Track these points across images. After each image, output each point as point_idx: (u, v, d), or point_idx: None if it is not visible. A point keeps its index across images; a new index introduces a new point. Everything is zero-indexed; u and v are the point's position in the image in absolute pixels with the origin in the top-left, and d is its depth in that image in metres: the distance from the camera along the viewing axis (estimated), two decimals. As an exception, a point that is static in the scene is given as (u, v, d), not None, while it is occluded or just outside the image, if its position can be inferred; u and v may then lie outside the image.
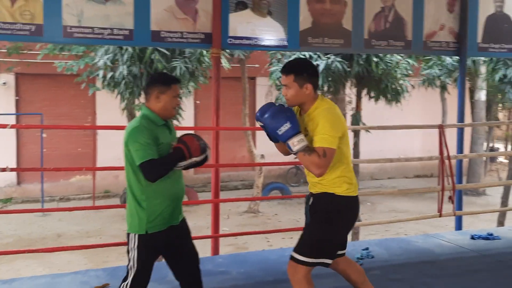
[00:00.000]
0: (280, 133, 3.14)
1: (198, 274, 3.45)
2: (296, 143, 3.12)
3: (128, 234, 3.26)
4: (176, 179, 3.31)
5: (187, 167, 3.30)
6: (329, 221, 3.27)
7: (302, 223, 11.72)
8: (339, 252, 3.43)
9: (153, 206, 3.20)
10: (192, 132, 3.43)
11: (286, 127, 3.12)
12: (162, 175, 3.15)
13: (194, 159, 3.25)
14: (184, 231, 3.44)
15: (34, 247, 9.55)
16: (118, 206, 11.01)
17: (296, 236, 10.78)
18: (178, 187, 3.34)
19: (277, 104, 3.28)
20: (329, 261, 3.28)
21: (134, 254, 3.20)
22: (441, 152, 6.14)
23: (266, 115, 3.20)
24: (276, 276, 4.76)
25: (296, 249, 3.30)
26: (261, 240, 10.21)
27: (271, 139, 3.36)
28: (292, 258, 3.28)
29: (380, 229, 11.07)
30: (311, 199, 3.40)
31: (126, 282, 3.22)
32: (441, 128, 6.16)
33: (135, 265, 3.20)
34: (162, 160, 3.16)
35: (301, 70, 3.28)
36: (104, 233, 11.22)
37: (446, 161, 6.12)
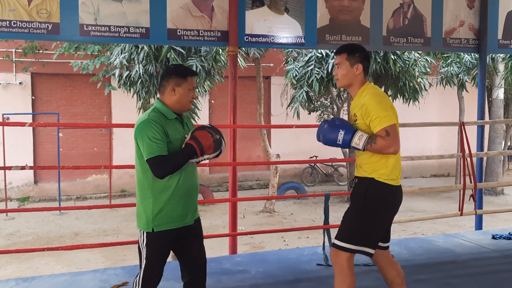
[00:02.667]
0: (341, 143, 3.26)
1: (203, 280, 3.35)
2: (358, 141, 3.21)
3: (141, 232, 3.19)
4: (188, 176, 3.19)
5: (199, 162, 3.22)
6: (365, 208, 3.29)
7: (318, 222, 11.66)
8: (382, 245, 3.43)
9: (160, 203, 3.10)
10: (208, 124, 3.30)
11: (341, 135, 3.25)
12: (170, 172, 3.04)
13: (207, 156, 3.14)
14: (197, 233, 3.32)
15: (52, 245, 9.58)
16: (135, 205, 11.07)
17: (312, 236, 10.70)
18: (190, 184, 3.21)
19: (324, 120, 3.42)
20: (370, 250, 3.29)
21: (143, 251, 3.14)
22: (462, 150, 6.05)
23: (321, 137, 3.35)
24: (296, 275, 4.72)
25: (336, 235, 3.36)
26: (277, 240, 10.16)
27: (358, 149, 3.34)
28: (333, 244, 3.35)
29: (397, 229, 10.95)
30: (354, 182, 3.44)
31: (137, 279, 3.17)
32: (462, 125, 6.07)
33: (145, 263, 3.13)
34: (171, 157, 3.04)
35: (354, 50, 3.38)
36: (121, 232, 11.23)
37: (467, 159, 6.03)
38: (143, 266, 3.15)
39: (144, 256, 3.14)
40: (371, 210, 3.28)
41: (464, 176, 6.04)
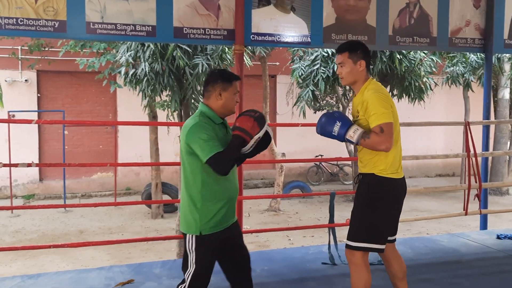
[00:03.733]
0: (336, 135, 3.30)
1: (250, 277, 3.39)
2: (353, 134, 3.25)
3: (185, 235, 3.20)
4: (231, 180, 3.23)
5: (257, 150, 3.23)
6: (370, 204, 3.34)
7: (322, 221, 11.66)
8: (389, 238, 3.47)
9: (208, 207, 3.12)
10: (244, 111, 3.29)
11: (337, 127, 3.29)
12: (231, 165, 3.08)
13: (256, 136, 3.11)
14: (237, 232, 3.37)
15: (57, 243, 9.60)
16: (140, 202, 11.05)
17: (317, 235, 10.71)
18: (233, 188, 3.25)
19: (324, 113, 3.45)
20: (379, 246, 3.33)
21: (192, 256, 3.13)
22: (467, 149, 6.05)
23: (319, 128, 3.39)
24: (301, 274, 4.72)
25: (348, 236, 3.40)
26: (283, 238, 10.16)
27: (352, 143, 3.37)
28: (346, 245, 3.40)
29: (401, 228, 10.88)
30: (358, 179, 3.48)
31: (184, 285, 3.14)
32: (467, 125, 6.06)
33: (194, 267, 3.12)
34: (226, 151, 3.05)
35: (355, 47, 3.43)
36: (126, 230, 11.26)
37: (472, 159, 6.03)
38: (191, 271, 3.13)
39: (194, 261, 3.13)
40: (376, 205, 3.32)
41: (469, 176, 6.04)
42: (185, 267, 3.18)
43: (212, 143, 3.03)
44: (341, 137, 3.30)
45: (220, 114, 3.23)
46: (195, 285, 3.14)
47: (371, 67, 10.90)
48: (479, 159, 6.25)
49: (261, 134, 3.14)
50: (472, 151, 6.04)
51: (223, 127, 3.25)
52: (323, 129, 3.36)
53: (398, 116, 3.42)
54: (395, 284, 3.58)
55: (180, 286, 3.17)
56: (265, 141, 3.29)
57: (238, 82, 3.31)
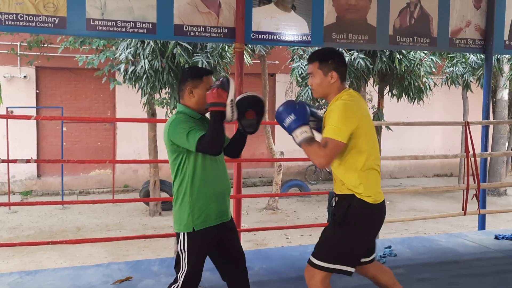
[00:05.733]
0: (285, 125, 3.06)
1: (245, 274, 3.34)
2: (299, 134, 3.00)
3: (178, 235, 3.16)
4: (220, 175, 3.19)
5: (255, 116, 3.17)
6: (346, 228, 3.05)
7: (320, 220, 11.67)
8: (364, 260, 3.23)
9: (198, 203, 3.09)
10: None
11: (290, 119, 3.03)
12: (219, 143, 2.98)
13: (228, 100, 2.99)
14: (232, 230, 3.31)
15: (54, 239, 9.61)
16: (138, 200, 11.07)
17: (314, 233, 10.71)
18: (223, 184, 3.21)
19: (296, 101, 3.15)
20: (350, 269, 3.05)
21: (185, 256, 3.09)
22: (466, 149, 6.06)
23: (276, 113, 3.13)
24: (299, 272, 4.67)
25: (313, 252, 3.12)
26: (280, 237, 10.16)
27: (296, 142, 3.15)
28: (309, 261, 3.11)
29: (399, 228, 10.95)
30: (334, 200, 3.20)
31: (176, 284, 3.10)
32: (467, 125, 6.07)
33: (187, 267, 3.08)
34: (209, 129, 3.00)
35: (326, 58, 3.12)
36: (124, 227, 11.26)
37: (471, 159, 6.04)
38: (184, 271, 3.09)
39: (186, 261, 3.09)
40: (351, 228, 3.04)
41: (468, 176, 6.04)
42: (177, 267, 3.14)
43: (194, 131, 2.98)
44: (288, 131, 3.06)
45: (198, 111, 3.19)
46: (188, 285, 3.11)
47: (370, 66, 10.92)
48: (478, 159, 6.26)
49: (231, 95, 3.01)
50: (471, 152, 6.05)
51: (203, 121, 3.20)
52: (279, 115, 3.09)
53: (374, 131, 3.17)
54: None
55: (172, 286, 3.13)
56: (253, 101, 3.20)
57: (211, 76, 3.22)
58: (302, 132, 3.00)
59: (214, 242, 3.18)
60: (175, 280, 3.14)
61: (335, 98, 3.09)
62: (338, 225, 3.07)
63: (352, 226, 3.04)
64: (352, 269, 3.06)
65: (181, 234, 3.13)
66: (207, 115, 3.19)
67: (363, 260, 3.23)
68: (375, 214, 3.09)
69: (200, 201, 3.10)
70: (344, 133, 2.93)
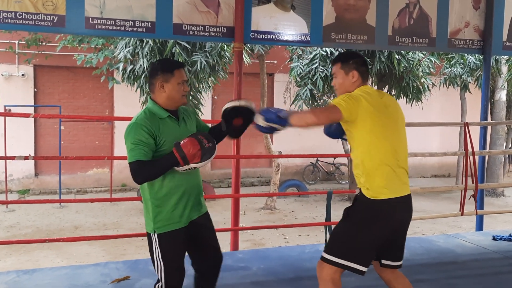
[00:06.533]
0: (270, 121, 3.09)
1: (216, 273, 3.29)
2: (282, 115, 3.06)
3: (148, 234, 3.10)
4: (188, 176, 3.09)
5: (236, 129, 3.21)
6: (356, 224, 3.12)
7: (318, 220, 11.65)
8: (391, 263, 3.24)
9: (163, 203, 3.01)
10: (202, 132, 3.15)
11: (268, 116, 3.09)
12: (148, 179, 2.96)
13: (192, 165, 2.95)
14: (205, 226, 3.23)
15: (51, 238, 9.59)
16: (135, 199, 11.02)
17: (312, 233, 10.69)
18: (191, 183, 3.12)
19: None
20: (361, 268, 3.08)
21: (158, 253, 3.03)
22: (466, 148, 6.06)
23: (258, 128, 3.18)
24: (297, 273, 4.72)
25: (325, 247, 3.22)
26: (278, 237, 10.16)
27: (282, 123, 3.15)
28: (321, 257, 3.20)
29: (397, 228, 10.98)
30: (356, 195, 3.27)
31: (160, 283, 3.06)
32: (466, 125, 6.08)
33: (162, 265, 3.03)
34: (151, 163, 2.92)
35: (347, 58, 3.32)
36: (121, 226, 11.23)
37: (470, 159, 6.04)
38: (162, 268, 3.04)
39: (160, 257, 3.03)
40: (354, 222, 3.14)
41: (466, 176, 6.05)
42: (155, 266, 3.07)
43: (138, 148, 2.90)
44: (276, 122, 3.08)
45: (167, 107, 3.08)
46: (171, 281, 3.05)
47: (369, 66, 10.91)
48: (477, 160, 6.26)
49: (199, 165, 2.99)
50: (470, 150, 6.06)
51: (172, 120, 3.09)
52: (263, 128, 3.15)
53: (397, 125, 3.21)
54: None
55: (157, 285, 3.09)
56: (242, 109, 3.22)
57: (182, 70, 3.11)
58: (283, 112, 3.08)
59: (186, 241, 3.12)
60: (158, 280, 3.09)
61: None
62: (347, 221, 3.20)
63: (357, 223, 3.13)
64: (363, 268, 3.09)
65: (151, 235, 3.07)
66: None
67: (386, 262, 3.25)
68: (375, 210, 3.08)
69: (164, 203, 3.02)
70: (345, 103, 3.03)
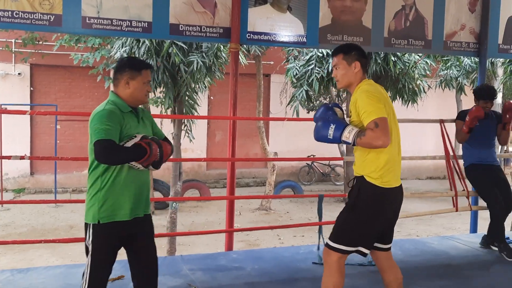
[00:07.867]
0: (331, 138, 3.24)
1: (154, 282, 3.26)
2: (348, 135, 3.17)
3: (85, 226, 3.08)
4: (139, 171, 3.10)
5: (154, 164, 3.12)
6: (356, 209, 3.26)
7: (313, 221, 11.63)
8: (382, 246, 3.40)
9: (108, 195, 3.01)
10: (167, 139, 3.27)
11: (331, 130, 3.23)
12: (115, 162, 2.97)
13: (141, 165, 3.03)
14: (145, 231, 3.23)
15: (47, 237, 9.58)
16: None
17: (307, 234, 10.68)
18: (142, 180, 3.14)
19: (320, 109, 3.40)
20: (363, 249, 3.28)
21: (90, 248, 3.03)
22: (446, 152, 6.07)
23: (315, 134, 3.35)
24: (291, 273, 4.73)
25: (330, 236, 3.34)
26: (273, 237, 10.18)
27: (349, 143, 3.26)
28: (326, 244, 3.34)
29: (392, 230, 11.01)
30: (353, 181, 3.40)
31: (84, 278, 3.04)
32: (442, 122, 6.18)
33: (91, 260, 3.03)
34: (122, 148, 2.95)
35: (349, 49, 3.38)
36: (116, 226, 11.24)
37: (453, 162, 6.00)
38: (89, 264, 3.03)
39: (91, 253, 3.03)
40: (361, 211, 3.24)
41: (453, 181, 5.95)
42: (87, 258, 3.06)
43: (110, 129, 2.92)
44: (337, 140, 3.22)
45: (129, 103, 3.11)
46: (94, 278, 3.03)
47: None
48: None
49: (142, 167, 3.04)
50: (451, 154, 6.04)
51: (133, 115, 3.12)
52: (319, 134, 3.31)
53: (396, 118, 3.34)
54: None
55: (82, 281, 3.07)
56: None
57: (149, 71, 3.16)
58: (350, 132, 3.17)
59: (123, 238, 3.10)
60: (84, 274, 3.07)
61: (357, 87, 3.32)
62: (349, 207, 3.31)
63: (361, 208, 3.25)
64: (366, 250, 3.30)
65: (89, 225, 3.06)
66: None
67: (378, 245, 3.39)
68: (383, 197, 3.23)
69: (111, 194, 3.01)
70: (381, 109, 3.12)
